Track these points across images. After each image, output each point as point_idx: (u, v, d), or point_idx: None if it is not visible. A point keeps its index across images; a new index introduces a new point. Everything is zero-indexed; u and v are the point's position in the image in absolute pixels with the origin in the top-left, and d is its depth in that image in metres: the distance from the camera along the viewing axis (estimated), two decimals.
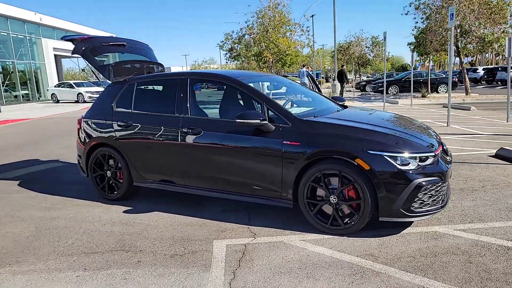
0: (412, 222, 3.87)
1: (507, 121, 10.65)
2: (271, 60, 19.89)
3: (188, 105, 4.42)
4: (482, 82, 37.73)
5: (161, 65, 6.13)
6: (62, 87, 30.45)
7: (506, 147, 6.53)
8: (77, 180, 6.17)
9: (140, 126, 4.67)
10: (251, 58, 21.92)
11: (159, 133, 4.51)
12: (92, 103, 5.35)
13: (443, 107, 16.21)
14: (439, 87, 24.47)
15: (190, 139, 4.28)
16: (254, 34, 21.33)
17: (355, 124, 3.85)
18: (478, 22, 17.24)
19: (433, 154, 3.60)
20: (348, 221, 3.64)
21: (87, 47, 5.23)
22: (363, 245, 3.48)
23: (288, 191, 3.85)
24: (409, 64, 76.83)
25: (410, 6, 20.05)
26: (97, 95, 29.11)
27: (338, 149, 3.57)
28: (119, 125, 4.81)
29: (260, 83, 5.63)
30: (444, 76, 25.27)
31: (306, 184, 3.74)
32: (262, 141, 3.90)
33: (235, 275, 3.05)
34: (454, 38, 18.32)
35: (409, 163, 3.45)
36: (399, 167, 3.42)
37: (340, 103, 5.20)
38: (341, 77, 22.31)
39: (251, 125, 3.86)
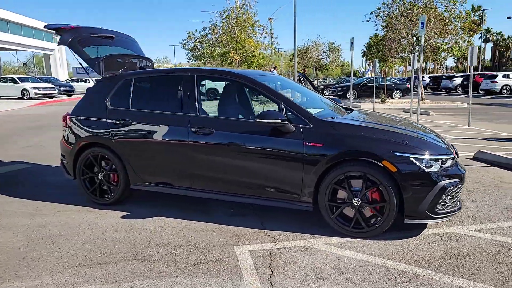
0: (427, 224, 3.91)
1: (468, 126, 11.31)
2: (237, 60, 19.74)
3: (196, 103, 4.18)
4: (428, 89, 40.06)
5: (150, 60, 5.80)
6: (3, 82, 28.16)
7: (483, 150, 6.89)
8: (56, 183, 5.66)
9: (140, 125, 4.35)
10: (216, 58, 21.62)
11: (164, 133, 4.22)
12: (81, 99, 4.92)
13: (403, 111, 16.92)
14: (394, 93, 25.60)
15: (200, 139, 4.05)
16: (218, 34, 21.11)
17: (378, 126, 3.83)
18: (433, 32, 18.25)
19: (452, 156, 3.66)
20: (371, 224, 3.60)
21: (74, 37, 4.80)
22: (389, 248, 3.45)
23: (307, 193, 3.74)
24: (358, 70, 79.78)
25: (371, 14, 20.82)
26: (45, 92, 27.85)
27: (365, 150, 3.52)
28: (115, 124, 4.45)
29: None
30: (398, 82, 26.48)
31: (328, 187, 3.65)
32: (281, 142, 3.76)
33: (272, 284, 2.88)
34: (411, 46, 19.28)
35: (432, 165, 3.48)
36: (425, 169, 3.44)
37: (339, 105, 5.19)
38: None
39: (271, 125, 3.71)
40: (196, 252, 3.43)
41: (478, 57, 53.18)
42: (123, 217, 4.30)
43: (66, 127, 4.84)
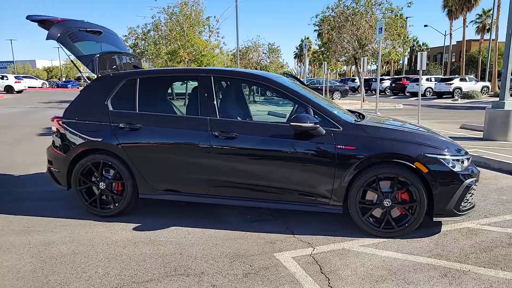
0: (441, 222, 4.11)
1: None
2: (186, 59, 19.17)
3: (215, 106, 3.99)
4: (359, 91, 42.54)
5: (138, 58, 5.44)
6: None
7: None
8: (34, 195, 5.07)
9: (152, 129, 4.04)
10: (163, 56, 20.80)
11: (180, 137, 3.97)
12: (73, 100, 4.43)
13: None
14: (334, 94, 26.78)
15: (222, 143, 3.87)
16: (161, 31, 20.37)
17: (404, 128, 3.96)
18: (373, 37, 19.41)
19: (468, 156, 3.91)
20: (401, 224, 3.72)
21: (64, 32, 4.34)
22: (421, 246, 3.59)
23: (338, 196, 3.76)
24: (290, 72, 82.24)
25: (316, 17, 21.55)
26: None
27: (398, 152, 3.62)
28: (121, 128, 4.09)
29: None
30: (338, 84, 27.74)
31: (359, 189, 3.70)
32: (311, 145, 3.73)
33: None
34: (353, 50, 20.30)
35: (455, 165, 3.69)
36: (452, 169, 3.63)
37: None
38: None
39: (304, 128, 3.66)
40: (237, 262, 3.27)
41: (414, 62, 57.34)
42: (135, 229, 3.97)
43: (56, 132, 4.35)
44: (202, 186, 4.00)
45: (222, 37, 37.33)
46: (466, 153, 3.92)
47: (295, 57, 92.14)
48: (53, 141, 4.39)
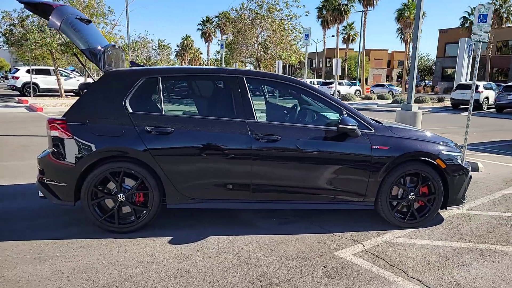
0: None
1: None
2: None
3: (252, 108, 3.88)
4: None
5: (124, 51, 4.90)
6: None
7: None
8: (18, 214, 4.18)
9: (185, 133, 3.73)
10: (55, 47, 18.14)
11: (218, 141, 3.76)
12: (80, 99, 3.77)
13: None
14: None
15: (265, 146, 3.79)
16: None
17: (420, 130, 4.41)
18: (277, 41, 20.45)
19: (461, 153, 4.58)
20: (422, 214, 4.17)
21: (64, 20, 3.73)
22: (443, 232, 4.09)
23: (371, 193, 4.03)
24: None
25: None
26: None
27: (423, 151, 4.05)
28: (148, 132, 3.68)
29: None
30: None
31: (390, 185, 4.04)
32: (350, 146, 3.93)
33: (420, 280, 3.10)
34: (258, 52, 21.05)
35: (461, 160, 4.30)
36: (460, 163, 4.22)
37: None
38: None
39: (348, 130, 3.83)
40: (309, 265, 3.29)
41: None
42: (172, 243, 3.63)
43: (58, 138, 3.67)
44: (243, 191, 3.85)
45: (118, 30, 34.60)
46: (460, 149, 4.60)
47: (176, 55, 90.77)
48: (54, 149, 3.69)
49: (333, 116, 4.23)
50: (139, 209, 3.79)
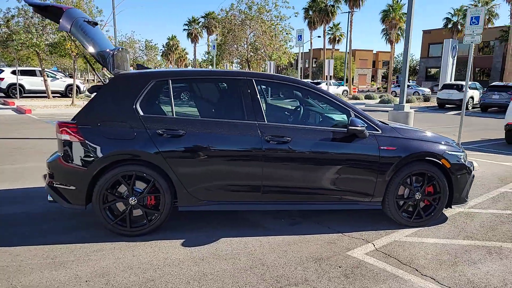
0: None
1: None
2: (75, 53, 16.82)
3: (262, 110, 3.91)
4: None
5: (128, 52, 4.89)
6: None
7: None
8: (19, 217, 4.11)
9: (197, 135, 3.74)
10: (42, 47, 17.78)
11: (229, 143, 3.78)
12: (90, 103, 3.75)
13: None
14: None
15: (275, 147, 3.83)
16: (39, 18, 17.47)
17: (422, 130, 4.50)
18: (268, 42, 20.52)
19: (464, 152, 4.69)
20: (428, 213, 4.26)
21: (74, 23, 3.72)
22: (448, 231, 4.18)
23: (379, 193, 4.10)
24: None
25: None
26: None
27: (429, 151, 4.14)
28: (159, 135, 3.67)
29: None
30: None
31: (397, 185, 4.11)
32: (359, 148, 3.99)
33: (433, 278, 3.18)
34: (248, 53, 21.09)
35: (464, 159, 4.41)
36: (464, 162, 4.33)
37: None
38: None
39: (357, 131, 3.89)
40: (323, 265, 3.33)
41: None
42: (184, 245, 3.63)
43: (68, 142, 3.63)
44: (254, 192, 3.88)
45: (107, 31, 34.11)
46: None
47: (162, 55, 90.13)
48: (64, 153, 3.65)
49: (338, 117, 4.30)
50: (151, 212, 3.78)
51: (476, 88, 24.37)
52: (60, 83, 23.81)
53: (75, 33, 3.71)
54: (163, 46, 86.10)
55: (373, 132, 4.07)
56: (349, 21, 44.69)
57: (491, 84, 23.06)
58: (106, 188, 3.64)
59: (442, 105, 23.81)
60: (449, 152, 4.23)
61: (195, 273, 3.12)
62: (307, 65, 64.10)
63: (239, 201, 3.93)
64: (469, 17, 7.67)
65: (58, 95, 23.28)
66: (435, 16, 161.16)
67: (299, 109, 4.71)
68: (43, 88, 21.54)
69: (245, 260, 3.38)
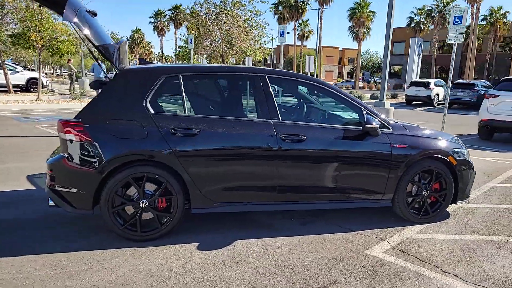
0: None
1: None
2: (39, 45, 15.78)
3: (276, 108, 3.81)
4: None
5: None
6: None
7: None
8: (13, 223, 3.79)
9: (212, 134, 3.58)
10: (3, 39, 16.65)
11: (245, 142, 3.65)
12: (95, 99, 3.49)
13: None
14: None
15: (291, 146, 3.74)
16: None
17: (427, 128, 4.55)
18: (243, 37, 20.33)
19: (467, 149, 4.79)
20: (434, 210, 4.32)
21: (78, 13, 3.47)
22: (455, 226, 4.26)
23: (389, 190, 4.12)
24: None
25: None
26: None
27: (437, 149, 4.19)
28: (172, 134, 3.49)
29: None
30: None
31: (407, 183, 4.14)
32: (372, 145, 3.98)
33: (455, 274, 3.21)
34: (224, 48, 20.81)
35: (467, 156, 4.50)
36: (468, 159, 4.42)
37: None
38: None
39: (371, 129, 3.88)
40: (346, 265, 3.29)
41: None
42: (200, 249, 3.48)
43: (74, 142, 3.38)
44: (270, 192, 3.78)
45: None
46: None
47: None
48: (70, 154, 3.39)
49: (347, 115, 4.28)
50: (162, 215, 3.60)
51: (441, 86, 25.32)
52: (21, 76, 22.46)
53: (78, 25, 3.45)
54: (128, 39, 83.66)
55: (384, 130, 4.07)
56: (319, 18, 45.23)
57: (455, 82, 24.04)
58: (116, 191, 3.42)
59: (410, 102, 24.57)
60: (455, 149, 4.31)
61: (220, 279, 2.99)
62: (275, 61, 64.37)
63: (253, 202, 3.81)
64: (452, 16, 7.89)
65: (19, 89, 22.01)
66: (398, 14, 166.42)
67: (309, 106, 4.65)
68: (2, 81, 20.26)
69: (268, 262, 3.28)
